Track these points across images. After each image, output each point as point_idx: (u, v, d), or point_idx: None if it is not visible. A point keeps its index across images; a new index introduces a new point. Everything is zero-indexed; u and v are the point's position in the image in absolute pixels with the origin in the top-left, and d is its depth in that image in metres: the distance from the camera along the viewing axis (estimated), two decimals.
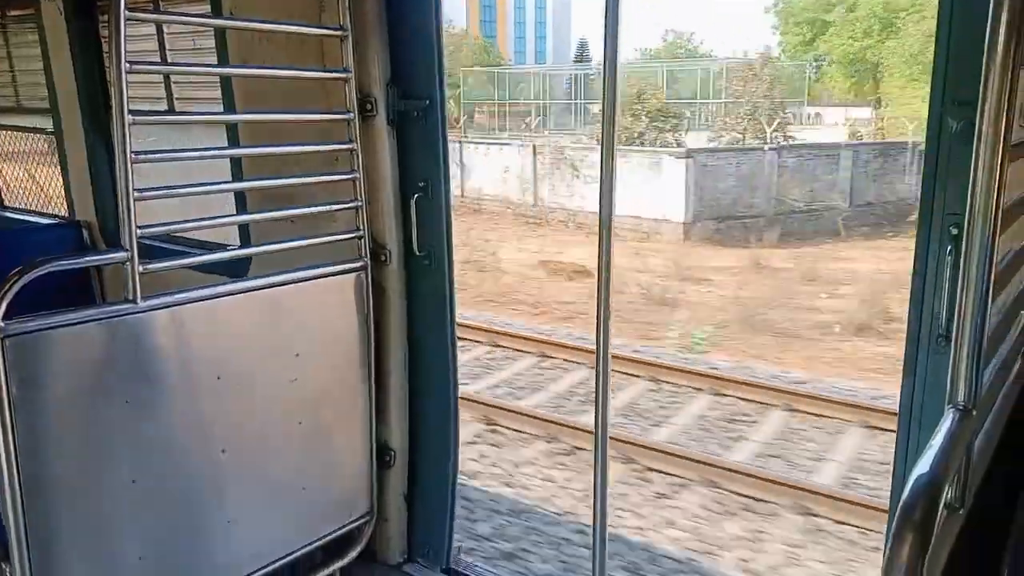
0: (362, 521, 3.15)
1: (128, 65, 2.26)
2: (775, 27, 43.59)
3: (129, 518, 2.45)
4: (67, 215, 4.43)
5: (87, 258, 3.62)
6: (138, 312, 2.39)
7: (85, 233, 4.24)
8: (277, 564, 2.87)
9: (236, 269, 3.11)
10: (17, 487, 2.15)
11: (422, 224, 3.06)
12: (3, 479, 2.14)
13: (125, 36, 2.23)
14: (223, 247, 3.29)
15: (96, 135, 4.08)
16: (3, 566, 2.29)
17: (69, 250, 4.08)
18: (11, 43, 4.85)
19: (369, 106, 2.95)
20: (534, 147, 24.22)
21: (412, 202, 3.04)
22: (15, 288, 2.11)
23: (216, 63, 3.49)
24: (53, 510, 2.26)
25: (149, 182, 2.41)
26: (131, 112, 2.28)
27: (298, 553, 2.94)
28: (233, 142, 3.46)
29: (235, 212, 3.31)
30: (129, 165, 2.28)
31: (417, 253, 3.08)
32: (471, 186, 24.97)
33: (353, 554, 3.14)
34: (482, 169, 24.84)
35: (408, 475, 3.30)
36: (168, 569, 2.59)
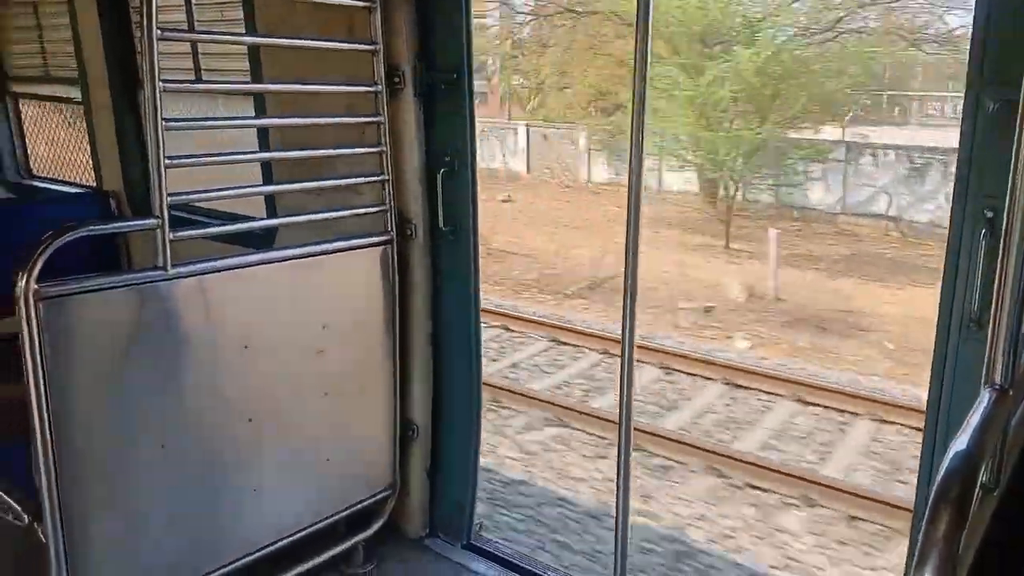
0: (385, 495, 3.17)
1: (159, 32, 2.27)
2: None
3: (158, 482, 2.47)
4: (95, 185, 4.46)
5: (119, 224, 3.66)
6: (168, 279, 2.40)
7: (112, 203, 4.27)
8: (301, 534, 2.89)
9: (262, 241, 3.12)
10: (50, 448, 2.18)
11: (448, 199, 3.05)
12: (36, 439, 2.16)
13: (157, 3, 2.24)
14: (249, 219, 3.30)
15: (124, 105, 4.09)
16: (35, 526, 2.33)
17: (97, 219, 4.11)
18: (40, 13, 4.87)
19: (397, 79, 2.93)
20: None
21: (439, 176, 3.03)
22: (49, 251, 2.13)
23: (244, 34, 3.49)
24: (84, 472, 2.29)
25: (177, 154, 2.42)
26: (162, 80, 2.28)
27: (321, 524, 2.96)
28: (260, 114, 3.45)
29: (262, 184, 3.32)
30: (161, 132, 2.29)
31: (443, 228, 3.08)
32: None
33: (376, 527, 3.16)
34: None
35: (431, 450, 3.32)
36: (194, 534, 2.62)
